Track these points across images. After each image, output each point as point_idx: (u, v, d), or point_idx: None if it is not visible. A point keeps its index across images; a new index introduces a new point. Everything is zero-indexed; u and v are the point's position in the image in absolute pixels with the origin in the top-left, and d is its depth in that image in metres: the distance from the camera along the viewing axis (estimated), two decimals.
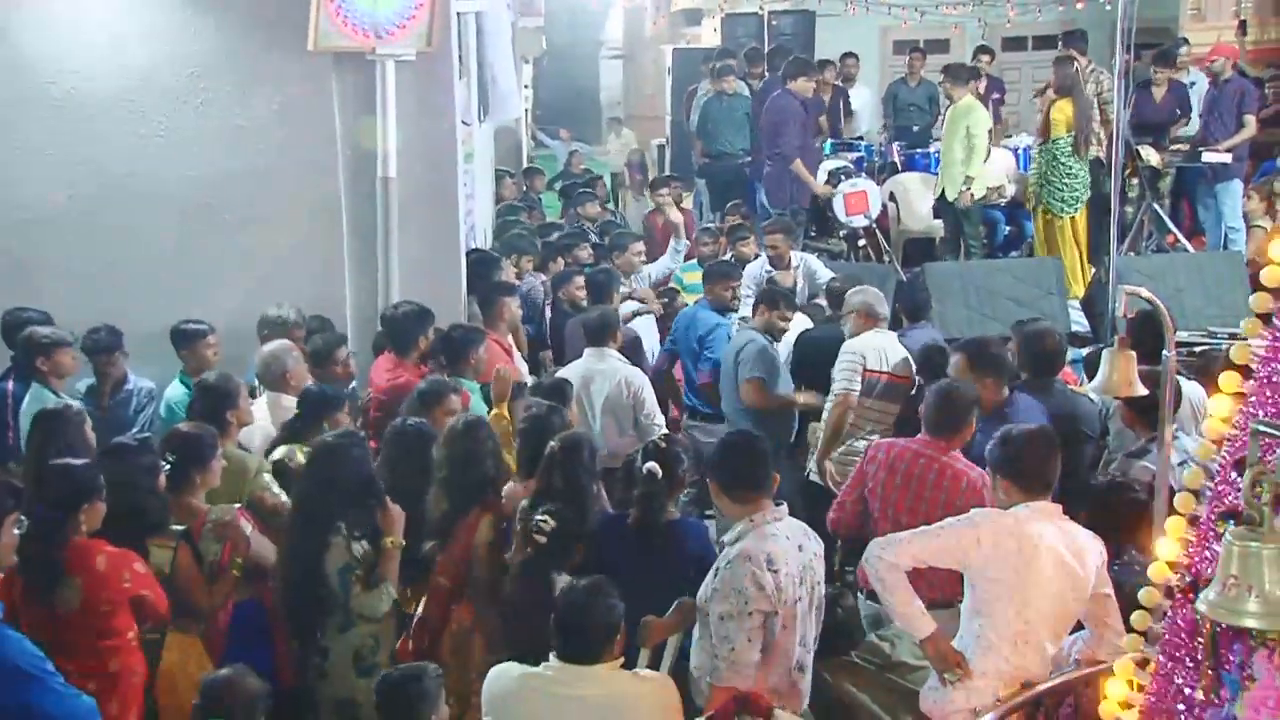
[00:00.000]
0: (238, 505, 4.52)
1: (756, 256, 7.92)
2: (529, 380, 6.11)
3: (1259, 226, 9.33)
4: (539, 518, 4.13)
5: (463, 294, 6.88)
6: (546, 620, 3.50)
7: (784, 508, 3.78)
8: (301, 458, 4.75)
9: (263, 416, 5.33)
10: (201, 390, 5.02)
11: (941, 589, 4.13)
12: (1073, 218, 9.36)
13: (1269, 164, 10.25)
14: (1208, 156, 9.93)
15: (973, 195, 9.70)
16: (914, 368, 5.76)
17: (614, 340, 6.05)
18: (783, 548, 3.64)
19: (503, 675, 3.49)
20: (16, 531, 3.44)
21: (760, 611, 3.57)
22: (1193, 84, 10.66)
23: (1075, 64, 9.68)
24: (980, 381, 4.95)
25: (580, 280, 7.32)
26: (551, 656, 3.42)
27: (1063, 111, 9.35)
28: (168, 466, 4.36)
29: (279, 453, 4.96)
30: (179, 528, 4.27)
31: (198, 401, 4.99)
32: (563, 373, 6.01)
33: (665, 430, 5.79)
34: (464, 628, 4.44)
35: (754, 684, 3.50)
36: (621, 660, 3.47)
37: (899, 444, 4.78)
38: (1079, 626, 3.80)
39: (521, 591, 4.05)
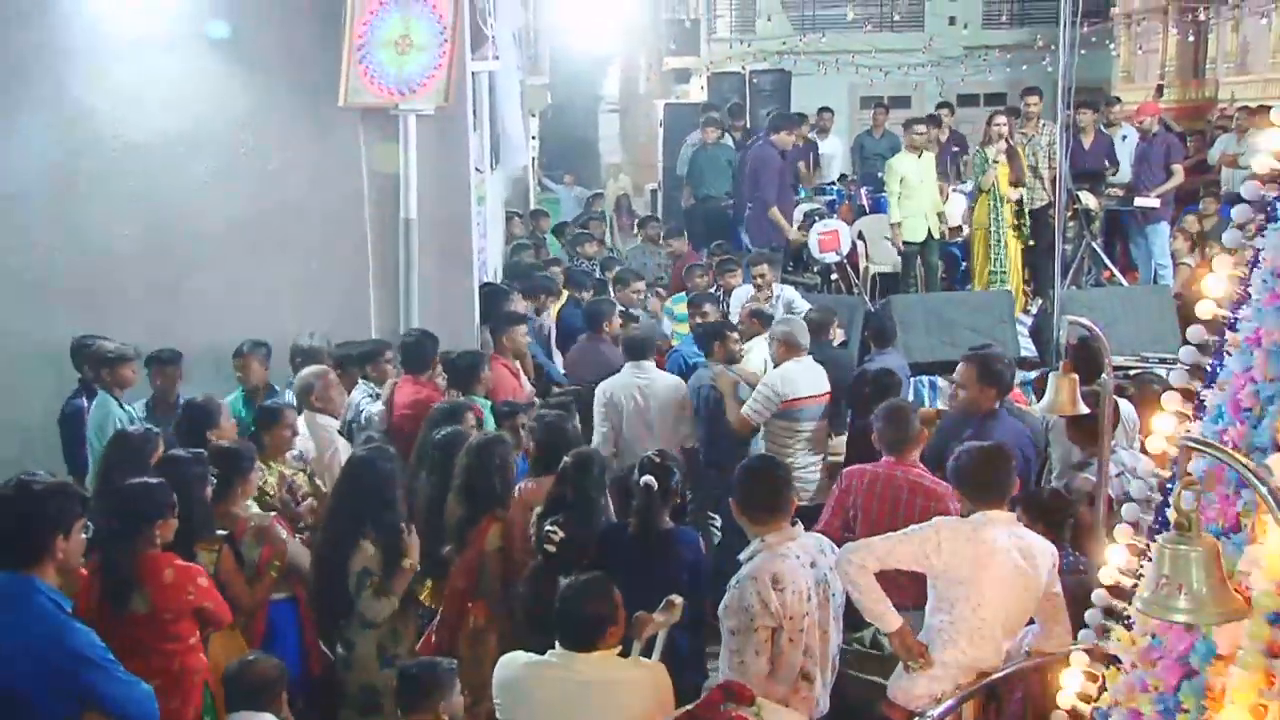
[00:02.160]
0: (273, 514, 4.51)
1: (741, 285, 7.97)
2: (535, 401, 6.11)
3: (1185, 264, 9.43)
4: (549, 528, 4.11)
5: (475, 322, 6.90)
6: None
7: (799, 527, 3.70)
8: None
9: (303, 433, 5.29)
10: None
11: (912, 594, 4.06)
12: None
13: (1191, 207, 10.33)
14: (1140, 201, 10.02)
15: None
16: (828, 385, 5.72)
17: (652, 355, 6.07)
18: (791, 567, 3.55)
19: (509, 664, 3.46)
20: (84, 536, 3.44)
21: (765, 627, 3.51)
22: (1124, 137, 10.74)
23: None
24: (982, 391, 4.97)
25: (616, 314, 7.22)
26: (556, 645, 3.39)
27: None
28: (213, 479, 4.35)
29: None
30: (222, 532, 4.26)
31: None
32: (605, 385, 5.98)
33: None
34: (479, 626, 4.42)
35: (762, 692, 3.42)
36: (619, 649, 3.44)
37: (869, 469, 4.68)
38: (1031, 621, 3.79)
39: (534, 593, 4.02)
